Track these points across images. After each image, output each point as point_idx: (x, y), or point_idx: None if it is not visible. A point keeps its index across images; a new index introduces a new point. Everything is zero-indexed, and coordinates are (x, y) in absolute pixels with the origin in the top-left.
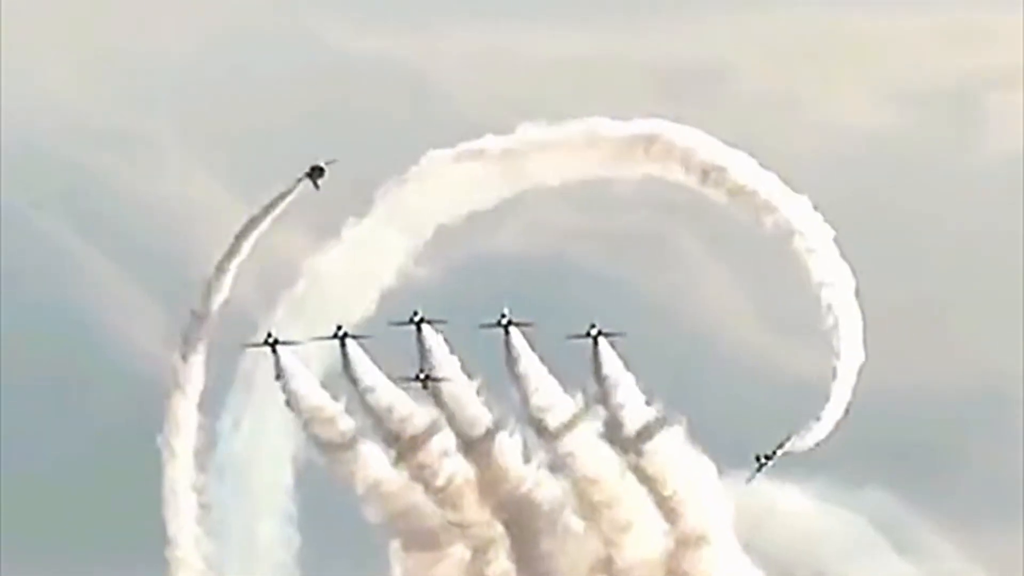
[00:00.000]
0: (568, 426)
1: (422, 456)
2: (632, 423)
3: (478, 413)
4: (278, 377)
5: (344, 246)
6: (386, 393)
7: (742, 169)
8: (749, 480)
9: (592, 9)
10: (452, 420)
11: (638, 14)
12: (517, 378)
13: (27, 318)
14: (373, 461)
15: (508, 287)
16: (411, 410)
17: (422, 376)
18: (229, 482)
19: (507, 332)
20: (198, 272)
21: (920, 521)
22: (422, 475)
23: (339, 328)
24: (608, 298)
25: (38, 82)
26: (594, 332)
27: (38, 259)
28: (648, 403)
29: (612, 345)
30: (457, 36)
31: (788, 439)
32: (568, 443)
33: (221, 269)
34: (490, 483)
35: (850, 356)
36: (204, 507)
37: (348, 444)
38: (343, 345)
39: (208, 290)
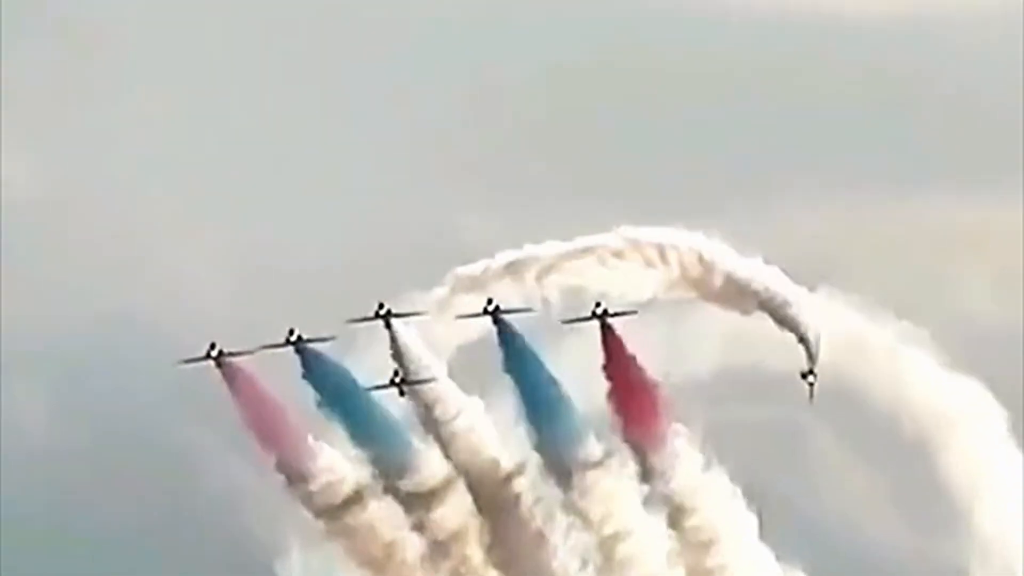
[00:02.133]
0: None
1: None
2: None
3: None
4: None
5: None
6: None
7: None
8: None
9: (701, 205)
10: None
11: (746, 204)
12: None
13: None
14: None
15: None
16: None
17: None
18: None
19: None
20: None
21: None
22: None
23: (291, 332)
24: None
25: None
26: (599, 311)
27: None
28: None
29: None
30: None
31: None
32: None
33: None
34: None
35: None
36: None
37: None
38: (299, 351)
39: None
